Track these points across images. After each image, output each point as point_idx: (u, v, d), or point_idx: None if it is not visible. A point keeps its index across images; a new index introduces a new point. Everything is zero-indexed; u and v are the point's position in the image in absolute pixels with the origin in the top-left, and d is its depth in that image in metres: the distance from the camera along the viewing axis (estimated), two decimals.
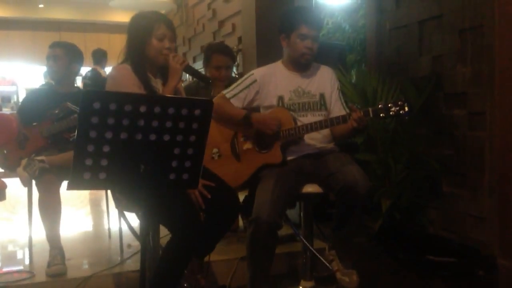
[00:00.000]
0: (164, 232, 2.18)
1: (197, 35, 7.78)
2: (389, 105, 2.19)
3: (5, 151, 2.81)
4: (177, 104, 1.62)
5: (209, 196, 2.13)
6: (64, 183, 2.71)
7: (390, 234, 2.86)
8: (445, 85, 2.93)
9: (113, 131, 1.53)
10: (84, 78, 6.90)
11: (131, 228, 2.40)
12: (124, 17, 10.89)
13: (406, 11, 3.25)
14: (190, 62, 8.13)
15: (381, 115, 2.20)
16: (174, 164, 1.67)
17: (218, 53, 3.32)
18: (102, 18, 11.28)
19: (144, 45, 2.23)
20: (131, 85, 2.16)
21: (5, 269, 2.84)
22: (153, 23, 2.22)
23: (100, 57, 7.45)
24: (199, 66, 7.40)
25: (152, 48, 2.22)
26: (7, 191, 2.68)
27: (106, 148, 1.54)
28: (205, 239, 2.27)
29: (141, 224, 1.81)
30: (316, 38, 2.43)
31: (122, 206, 2.28)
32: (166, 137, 1.62)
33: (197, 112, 1.65)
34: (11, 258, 3.17)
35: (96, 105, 1.48)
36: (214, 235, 2.30)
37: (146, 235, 1.82)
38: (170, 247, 2.05)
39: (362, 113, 2.21)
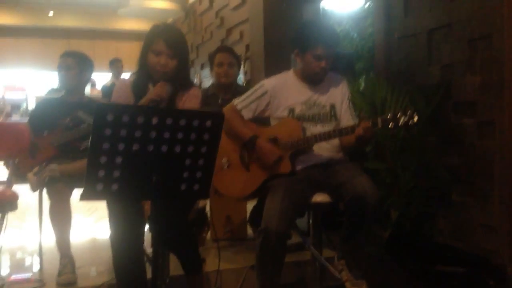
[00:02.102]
0: None
1: (205, 42, 7.83)
2: (398, 115, 2.19)
3: (16, 160, 2.84)
4: (189, 115, 1.64)
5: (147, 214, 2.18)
6: (75, 192, 2.73)
7: (400, 243, 2.85)
8: (454, 94, 2.93)
9: (126, 142, 1.54)
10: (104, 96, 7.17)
11: None
12: (132, 25, 10.98)
13: (414, 20, 3.26)
14: (198, 69, 8.22)
15: (389, 125, 2.20)
16: (185, 174, 1.69)
17: (219, 52, 3.46)
18: (111, 26, 11.38)
19: (144, 58, 2.29)
20: (117, 97, 2.30)
21: (16, 277, 2.86)
22: (153, 37, 2.27)
23: (115, 66, 7.75)
24: (207, 73, 7.47)
25: (148, 62, 2.27)
26: None
27: (118, 160, 1.55)
28: (180, 258, 2.31)
29: (152, 233, 1.83)
30: (331, 57, 2.41)
31: None
32: (178, 148, 1.64)
33: (208, 123, 1.66)
34: (21, 266, 3.19)
35: (110, 117, 1.49)
36: (178, 256, 2.32)
37: (157, 244, 1.83)
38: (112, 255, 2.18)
39: (370, 123, 2.21)
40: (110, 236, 2.17)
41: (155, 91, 2.21)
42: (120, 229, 2.14)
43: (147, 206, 2.11)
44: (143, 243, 2.20)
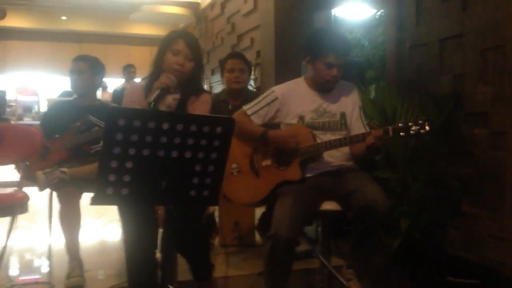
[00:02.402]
0: None
1: (216, 48, 7.86)
2: (409, 124, 2.17)
3: (27, 163, 2.86)
4: (199, 121, 1.64)
5: (161, 222, 2.16)
6: (85, 195, 2.74)
7: (409, 253, 2.83)
8: (465, 104, 2.91)
9: (136, 147, 1.55)
10: (113, 99, 7.25)
11: None
12: (143, 30, 11.06)
13: (426, 29, 3.25)
14: (208, 75, 8.23)
15: (401, 134, 2.19)
16: (195, 180, 1.68)
17: (230, 58, 3.49)
18: (123, 31, 11.46)
19: (161, 59, 2.29)
20: (129, 101, 2.29)
21: (24, 279, 2.87)
22: (173, 37, 2.29)
23: (128, 72, 7.83)
24: (217, 78, 7.49)
25: (165, 62, 2.28)
26: None
27: (129, 164, 1.56)
28: (191, 264, 2.30)
29: (164, 238, 1.83)
30: (342, 65, 2.41)
31: None
32: (188, 154, 1.64)
33: (218, 129, 1.66)
34: (30, 268, 3.21)
35: (121, 122, 1.50)
36: (188, 261, 2.31)
37: (167, 249, 1.83)
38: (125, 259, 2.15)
39: (381, 131, 2.20)
40: (124, 240, 2.17)
41: (160, 80, 2.21)
42: (134, 233, 2.13)
43: (161, 211, 2.11)
44: (157, 247, 2.20)
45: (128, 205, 2.03)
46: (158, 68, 2.32)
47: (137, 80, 7.57)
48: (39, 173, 2.70)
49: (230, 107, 3.37)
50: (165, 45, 2.29)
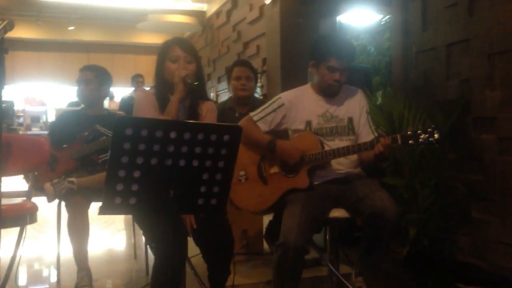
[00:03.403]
0: (192, 252, 2.21)
1: (222, 56, 7.89)
2: (418, 132, 2.17)
3: (36, 173, 2.87)
4: (207, 130, 1.64)
5: (195, 226, 2.13)
6: (93, 205, 2.75)
7: (418, 260, 2.81)
8: (473, 110, 2.90)
9: (144, 156, 1.55)
10: (121, 107, 7.32)
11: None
12: (150, 39, 11.11)
13: (433, 34, 3.24)
14: (215, 83, 8.25)
15: (409, 142, 2.18)
16: (202, 189, 1.69)
17: (237, 66, 3.52)
18: (129, 40, 11.53)
19: (161, 69, 2.32)
20: (146, 105, 2.31)
21: None
22: (168, 46, 2.34)
23: (137, 81, 7.96)
24: (223, 86, 7.52)
25: (167, 71, 2.31)
26: None
27: (137, 174, 1.56)
28: (211, 270, 2.28)
29: (174, 248, 1.83)
30: (346, 70, 2.41)
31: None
32: (195, 163, 1.64)
33: (226, 137, 1.67)
34: (39, 277, 3.22)
35: (129, 131, 1.51)
36: (213, 266, 2.29)
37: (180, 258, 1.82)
38: (154, 267, 2.09)
39: (390, 139, 2.20)
40: (156, 253, 2.10)
41: (178, 75, 2.25)
42: (165, 243, 2.02)
43: (192, 219, 2.10)
44: (185, 255, 2.16)
45: (153, 216, 1.98)
46: (160, 78, 2.34)
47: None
48: (47, 185, 2.71)
49: (237, 114, 3.38)
50: (162, 55, 2.34)
